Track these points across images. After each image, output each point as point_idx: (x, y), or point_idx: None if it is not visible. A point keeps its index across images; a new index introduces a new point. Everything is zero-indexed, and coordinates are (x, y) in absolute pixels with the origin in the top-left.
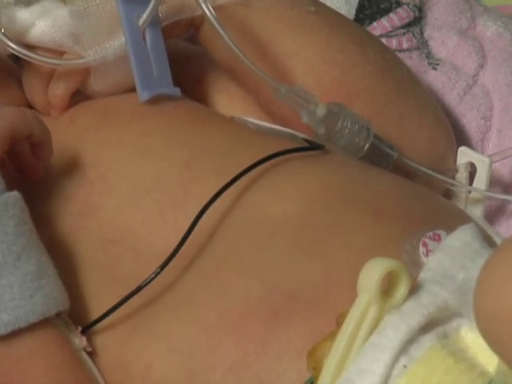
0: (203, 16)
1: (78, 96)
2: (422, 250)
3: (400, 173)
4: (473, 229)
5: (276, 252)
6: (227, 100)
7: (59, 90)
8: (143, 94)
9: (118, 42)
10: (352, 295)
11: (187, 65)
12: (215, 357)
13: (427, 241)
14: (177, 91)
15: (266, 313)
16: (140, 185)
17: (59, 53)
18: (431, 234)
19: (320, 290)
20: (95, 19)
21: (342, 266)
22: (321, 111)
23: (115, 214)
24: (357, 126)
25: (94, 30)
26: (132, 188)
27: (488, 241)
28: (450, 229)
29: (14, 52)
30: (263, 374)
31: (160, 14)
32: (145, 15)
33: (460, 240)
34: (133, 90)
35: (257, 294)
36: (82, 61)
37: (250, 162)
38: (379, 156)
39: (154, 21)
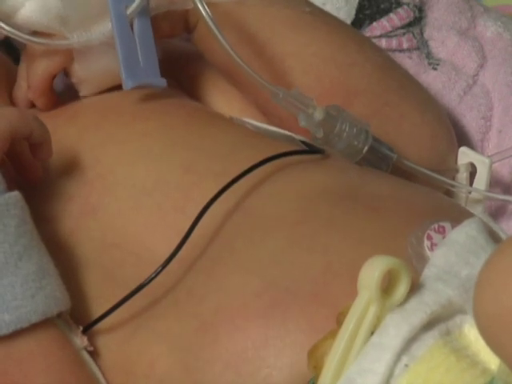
0: (198, 17)
1: (76, 96)
2: (426, 243)
3: (400, 174)
4: (478, 223)
5: (273, 247)
6: (226, 100)
7: (39, 69)
8: (127, 83)
9: (104, 28)
10: (352, 289)
11: (186, 65)
12: (213, 352)
13: (432, 233)
14: (163, 82)
15: (264, 307)
16: (141, 187)
17: (48, 35)
18: (436, 226)
19: (319, 284)
20: (83, 2)
21: (341, 260)
22: (319, 115)
23: (116, 217)
24: (355, 128)
25: (80, 12)
26: (133, 190)
27: (493, 235)
28: (454, 221)
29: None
30: (262, 369)
31: (150, 4)
32: (134, 4)
33: (465, 234)
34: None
35: (254, 289)
36: (65, 42)
37: (250, 165)
38: (378, 158)
39: (143, 10)
